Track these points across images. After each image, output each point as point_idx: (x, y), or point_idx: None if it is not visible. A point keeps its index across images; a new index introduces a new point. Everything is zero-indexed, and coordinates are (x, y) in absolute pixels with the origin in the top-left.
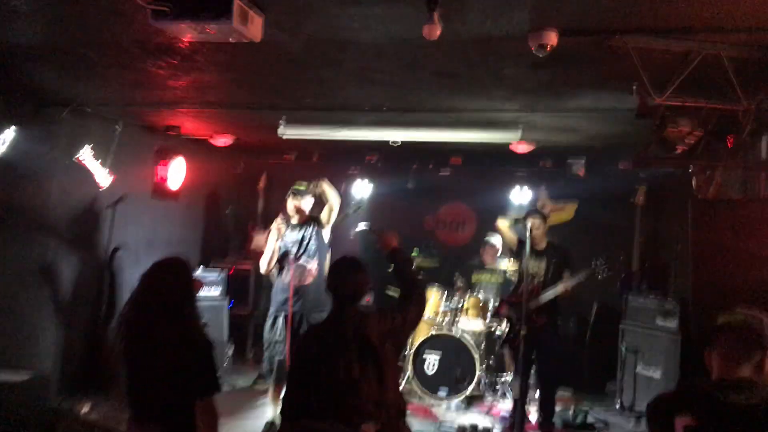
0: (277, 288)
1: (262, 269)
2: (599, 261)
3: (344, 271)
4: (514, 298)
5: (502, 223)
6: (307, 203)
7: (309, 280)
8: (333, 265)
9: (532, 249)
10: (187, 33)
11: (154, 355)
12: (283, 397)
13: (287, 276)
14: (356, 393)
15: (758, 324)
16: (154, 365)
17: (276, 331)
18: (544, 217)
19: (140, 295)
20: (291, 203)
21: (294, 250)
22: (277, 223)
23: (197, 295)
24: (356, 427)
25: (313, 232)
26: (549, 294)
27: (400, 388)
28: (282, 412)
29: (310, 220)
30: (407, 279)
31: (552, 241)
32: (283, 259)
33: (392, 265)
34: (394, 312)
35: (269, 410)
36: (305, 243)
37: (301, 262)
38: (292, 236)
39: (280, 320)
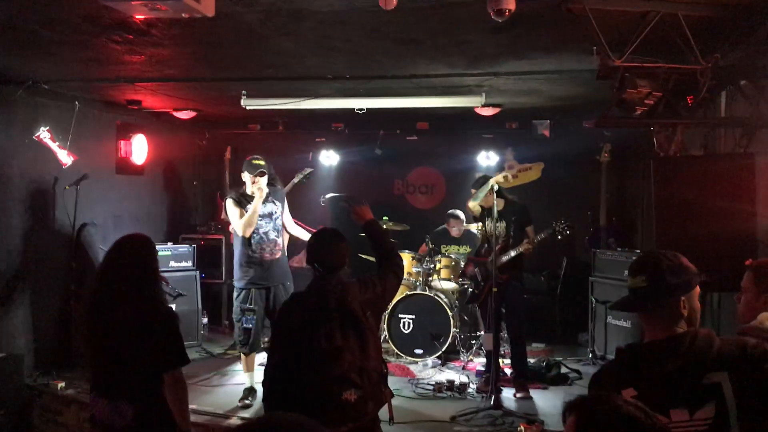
0: (246, 260)
1: (246, 232)
2: (560, 222)
3: (326, 242)
4: (478, 258)
5: (473, 204)
6: (264, 182)
7: (279, 254)
8: (314, 237)
9: (491, 210)
10: (137, 10)
11: (119, 330)
12: (266, 366)
13: (260, 249)
14: (338, 361)
15: None
16: (119, 341)
17: (249, 302)
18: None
19: (104, 272)
20: (248, 178)
21: (263, 224)
22: (261, 185)
23: (160, 273)
24: (338, 395)
25: (281, 208)
26: (511, 253)
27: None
28: (264, 381)
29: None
30: (384, 250)
31: (510, 199)
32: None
33: (368, 236)
34: (374, 281)
35: (245, 377)
36: (274, 218)
37: (273, 236)
38: (262, 210)
39: (254, 292)
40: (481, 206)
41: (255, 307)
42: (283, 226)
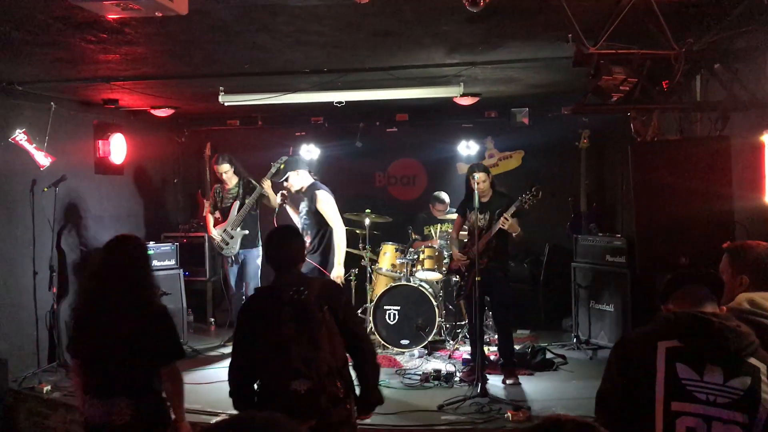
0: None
1: None
2: (524, 194)
3: (279, 240)
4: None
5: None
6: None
7: None
8: (268, 236)
9: (479, 202)
10: (110, 10)
11: (116, 328)
12: (230, 362)
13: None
14: (286, 352)
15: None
16: (116, 338)
17: None
18: (487, 170)
19: (97, 272)
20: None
21: None
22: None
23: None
24: (287, 385)
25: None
26: (486, 238)
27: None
28: (229, 376)
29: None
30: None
31: (499, 190)
32: None
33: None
34: (341, 292)
35: None
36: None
37: None
38: None
39: None
40: (466, 197)
41: None
42: None
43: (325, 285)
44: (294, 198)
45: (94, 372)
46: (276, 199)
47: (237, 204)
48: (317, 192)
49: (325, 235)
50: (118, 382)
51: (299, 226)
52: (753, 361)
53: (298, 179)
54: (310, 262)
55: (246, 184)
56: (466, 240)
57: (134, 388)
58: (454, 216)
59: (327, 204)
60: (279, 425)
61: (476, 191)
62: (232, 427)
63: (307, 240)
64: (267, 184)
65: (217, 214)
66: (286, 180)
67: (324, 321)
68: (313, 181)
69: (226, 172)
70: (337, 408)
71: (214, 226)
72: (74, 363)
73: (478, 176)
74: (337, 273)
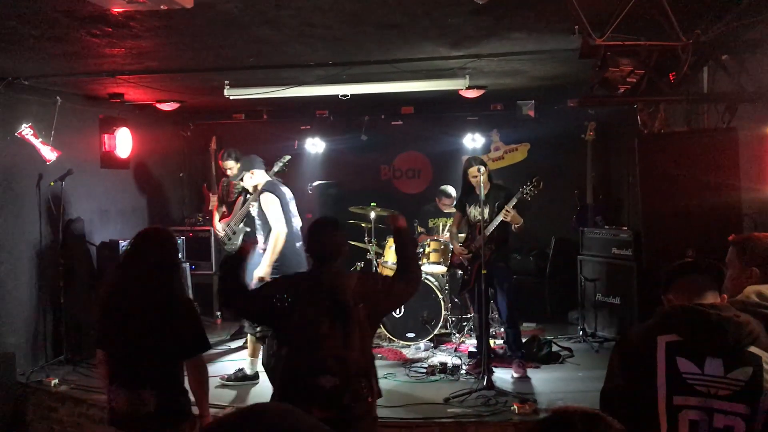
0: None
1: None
2: (525, 185)
3: (321, 232)
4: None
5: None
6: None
7: None
8: (311, 226)
9: (474, 196)
10: (115, 4)
11: (142, 320)
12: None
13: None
14: (320, 348)
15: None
16: (143, 330)
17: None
18: (484, 163)
19: (126, 263)
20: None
21: None
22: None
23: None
24: (313, 380)
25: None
26: (490, 227)
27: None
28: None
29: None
30: (406, 257)
31: (496, 183)
32: None
33: (395, 241)
34: (376, 278)
35: (244, 364)
36: None
37: None
38: None
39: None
40: (463, 191)
41: None
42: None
43: (362, 280)
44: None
45: (120, 363)
46: None
47: (242, 199)
48: (264, 194)
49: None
50: (144, 373)
51: (229, 230)
52: (754, 350)
53: (252, 180)
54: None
55: None
56: (463, 234)
57: (159, 379)
58: None
59: (269, 205)
60: (292, 416)
61: (481, 184)
62: (245, 418)
63: (261, 240)
64: None
65: (224, 209)
66: (241, 180)
67: (359, 320)
68: (269, 180)
69: (231, 168)
70: (358, 403)
71: (220, 220)
72: (100, 354)
73: (474, 169)
74: (259, 273)
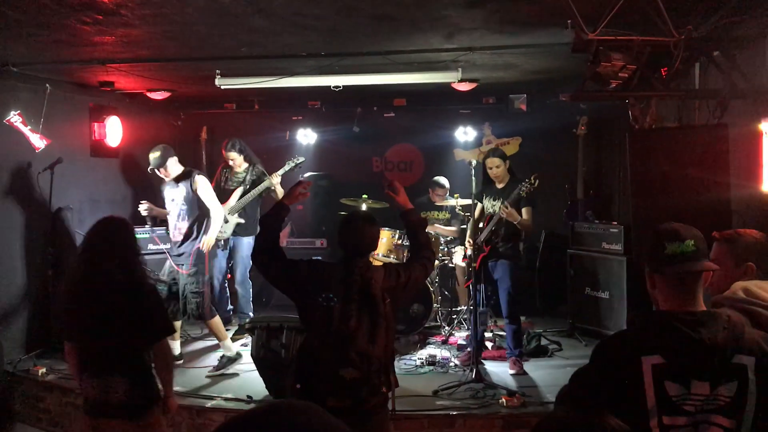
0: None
1: None
2: (523, 182)
3: (354, 226)
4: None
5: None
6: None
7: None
8: (344, 219)
9: (493, 188)
10: None
11: (107, 307)
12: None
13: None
14: (347, 341)
15: None
16: (109, 318)
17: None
18: (504, 156)
19: (86, 253)
20: None
21: None
22: None
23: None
24: (336, 370)
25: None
26: (490, 225)
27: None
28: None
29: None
30: (418, 240)
31: (516, 178)
32: None
33: (405, 225)
34: (399, 270)
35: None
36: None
37: None
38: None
39: None
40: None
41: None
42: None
43: (388, 274)
44: (167, 190)
45: (88, 353)
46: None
47: (240, 191)
48: (196, 176)
49: (203, 222)
50: (112, 360)
51: (174, 217)
52: (739, 359)
53: (176, 167)
54: (190, 246)
55: (255, 173)
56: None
57: (127, 365)
58: (453, 202)
59: (204, 188)
60: (317, 414)
61: (493, 178)
62: (269, 413)
63: (185, 226)
64: (277, 180)
65: None
66: (165, 169)
67: (385, 315)
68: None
69: (234, 159)
70: (374, 397)
71: None
72: (68, 346)
73: (490, 161)
74: (207, 238)
